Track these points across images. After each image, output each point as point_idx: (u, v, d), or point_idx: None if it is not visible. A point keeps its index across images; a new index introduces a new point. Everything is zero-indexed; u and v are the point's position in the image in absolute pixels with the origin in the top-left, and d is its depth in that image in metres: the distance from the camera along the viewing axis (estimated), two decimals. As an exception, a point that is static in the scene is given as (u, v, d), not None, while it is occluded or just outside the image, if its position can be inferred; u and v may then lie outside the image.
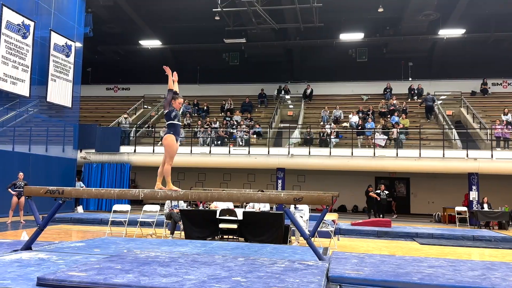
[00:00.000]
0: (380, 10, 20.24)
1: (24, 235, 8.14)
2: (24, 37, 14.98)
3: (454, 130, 18.32)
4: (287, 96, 24.05)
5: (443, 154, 15.92)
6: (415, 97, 22.45)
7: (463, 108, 21.13)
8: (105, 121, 21.79)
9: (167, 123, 5.74)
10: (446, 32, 21.79)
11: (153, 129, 20.12)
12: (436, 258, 6.31)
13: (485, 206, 15.37)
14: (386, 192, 16.37)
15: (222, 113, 22.15)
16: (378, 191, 16.24)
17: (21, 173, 12.55)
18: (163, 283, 3.98)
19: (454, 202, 17.40)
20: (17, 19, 14.62)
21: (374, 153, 16.42)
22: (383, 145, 17.46)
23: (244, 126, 19.67)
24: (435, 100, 21.26)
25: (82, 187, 16.02)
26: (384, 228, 12.07)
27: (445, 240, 11.08)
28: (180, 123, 5.95)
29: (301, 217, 9.00)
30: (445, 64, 24.44)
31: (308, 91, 23.35)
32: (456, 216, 15.60)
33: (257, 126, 19.95)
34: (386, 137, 17.77)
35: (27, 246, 6.02)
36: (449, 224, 16.06)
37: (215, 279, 4.22)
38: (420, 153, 16.00)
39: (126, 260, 5.04)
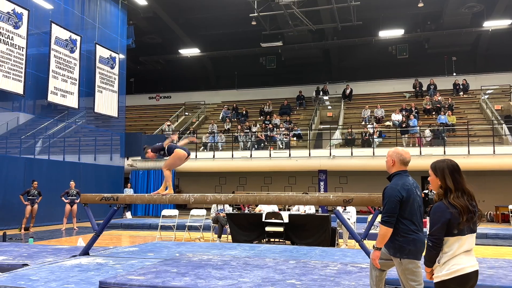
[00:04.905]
0: (420, 5, 19.74)
1: (80, 241, 8.49)
2: (72, 51, 15.65)
3: (504, 125, 17.51)
4: (326, 97, 23.82)
5: (494, 151, 15.24)
6: (461, 93, 21.67)
7: (513, 102, 20.20)
8: (149, 129, 22.42)
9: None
10: (491, 24, 20.89)
11: (195, 135, 20.46)
12: (495, 259, 6.05)
13: (542, 203, 14.60)
14: (434, 192, 15.85)
15: (261, 117, 22.24)
16: (426, 191, 15.72)
17: (72, 182, 13.08)
18: (220, 285, 4.04)
19: (507, 200, 16.60)
20: (64, 34, 15.31)
21: (420, 151, 15.94)
22: (430, 143, 16.93)
23: (283, 129, 19.63)
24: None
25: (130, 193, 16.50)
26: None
27: (501, 240, 10.61)
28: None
29: (348, 219, 8.90)
30: (491, 57, 23.43)
31: (348, 91, 23.03)
32: (510, 215, 14.89)
33: (297, 128, 19.88)
34: (432, 135, 17.22)
35: (85, 252, 6.27)
36: (503, 223, 15.37)
37: (269, 281, 4.24)
38: (469, 150, 15.40)
39: (181, 264, 5.15)
